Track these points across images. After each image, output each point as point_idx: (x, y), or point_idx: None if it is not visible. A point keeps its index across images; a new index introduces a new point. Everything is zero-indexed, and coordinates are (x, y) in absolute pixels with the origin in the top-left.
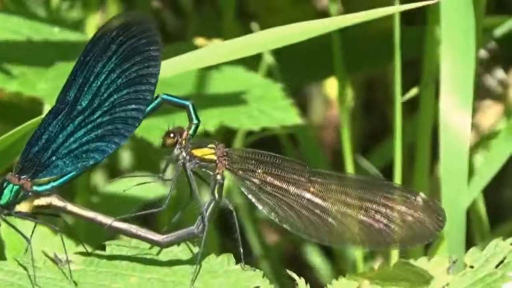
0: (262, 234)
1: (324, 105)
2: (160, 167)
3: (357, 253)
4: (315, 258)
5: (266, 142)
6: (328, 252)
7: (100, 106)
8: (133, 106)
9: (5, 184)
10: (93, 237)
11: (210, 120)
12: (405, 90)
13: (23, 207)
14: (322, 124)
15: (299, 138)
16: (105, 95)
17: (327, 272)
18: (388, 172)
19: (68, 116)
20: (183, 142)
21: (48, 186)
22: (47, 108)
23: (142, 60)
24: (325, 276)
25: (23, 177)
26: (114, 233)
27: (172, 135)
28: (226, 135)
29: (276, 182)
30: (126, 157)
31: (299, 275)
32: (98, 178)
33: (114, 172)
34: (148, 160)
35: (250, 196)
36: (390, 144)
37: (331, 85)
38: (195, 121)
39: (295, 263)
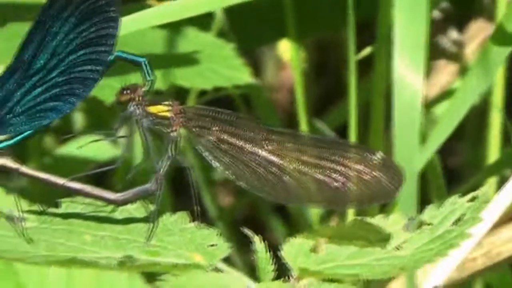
0: (217, 196)
1: (277, 67)
2: (113, 126)
3: (313, 214)
4: (271, 220)
5: (219, 103)
6: (284, 215)
7: (57, 66)
8: (91, 67)
9: None
10: (48, 200)
11: (162, 79)
12: (359, 51)
13: None
14: (275, 86)
15: (252, 99)
16: (63, 55)
17: (282, 234)
18: (342, 134)
19: (24, 75)
20: (138, 99)
21: (2, 145)
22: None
23: (100, 21)
24: (281, 237)
25: None
26: (69, 193)
27: (126, 91)
28: (178, 95)
29: (232, 140)
30: (78, 119)
31: (262, 234)
32: (50, 140)
33: (66, 134)
34: (100, 121)
35: (205, 154)
36: (343, 106)
37: (284, 47)
38: (150, 78)
39: (250, 225)
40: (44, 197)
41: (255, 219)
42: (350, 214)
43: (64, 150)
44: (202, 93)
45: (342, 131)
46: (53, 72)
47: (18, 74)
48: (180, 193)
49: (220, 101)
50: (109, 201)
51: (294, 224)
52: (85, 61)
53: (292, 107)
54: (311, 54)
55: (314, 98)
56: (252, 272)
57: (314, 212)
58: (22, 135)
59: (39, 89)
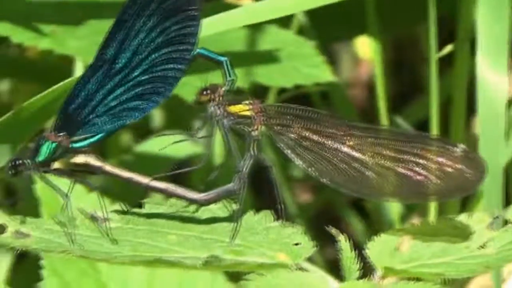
0: (295, 193)
1: (352, 63)
2: (191, 125)
3: (393, 211)
4: (348, 216)
5: (296, 101)
6: (362, 212)
7: (139, 65)
8: (173, 65)
9: (42, 141)
10: (126, 197)
11: (243, 77)
12: (438, 48)
13: (57, 165)
14: (350, 83)
15: (330, 96)
16: (145, 53)
17: (359, 231)
18: (421, 130)
19: (107, 74)
20: (218, 98)
21: (85, 143)
22: (78, 66)
23: (182, 19)
24: (359, 235)
25: (61, 134)
26: (150, 192)
27: (206, 92)
28: (255, 94)
29: (314, 137)
30: (157, 116)
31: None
32: (129, 138)
33: (144, 132)
34: (179, 118)
35: (288, 152)
36: (421, 103)
37: (361, 44)
38: (230, 77)
39: (326, 221)
40: (122, 194)
41: (331, 216)
42: (431, 211)
43: (142, 148)
44: (280, 91)
45: (420, 128)
46: (136, 71)
47: (100, 74)
48: (258, 191)
49: (297, 98)
50: (193, 201)
51: (371, 220)
52: (167, 59)
53: (367, 103)
54: (387, 52)
55: (389, 96)
56: (328, 268)
57: (394, 210)
58: (104, 133)
59: (121, 88)
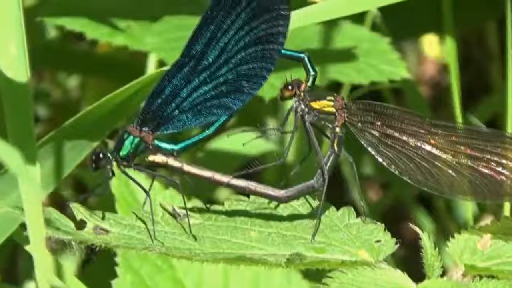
0: (365, 190)
1: (418, 61)
2: (263, 122)
3: (465, 210)
4: (417, 215)
5: (369, 98)
6: (429, 210)
7: (227, 62)
8: (260, 64)
9: (126, 136)
10: (198, 193)
11: (320, 74)
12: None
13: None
14: (415, 80)
15: (403, 93)
16: (232, 51)
17: (430, 230)
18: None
19: (193, 70)
20: (302, 94)
21: (169, 147)
22: (151, 62)
23: (271, 18)
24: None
25: (144, 129)
26: (231, 190)
27: (290, 87)
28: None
29: (396, 134)
30: None
31: (405, 232)
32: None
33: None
34: (251, 116)
35: (370, 149)
36: (489, 101)
37: (428, 42)
38: (312, 73)
39: (396, 220)
40: (196, 190)
41: (399, 214)
42: (505, 210)
43: (215, 145)
44: (352, 88)
45: (489, 126)
46: (222, 69)
47: (186, 70)
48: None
49: (369, 95)
50: (274, 198)
51: (440, 219)
52: (255, 58)
53: (432, 101)
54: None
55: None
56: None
57: (466, 208)
58: (191, 141)
59: (207, 86)
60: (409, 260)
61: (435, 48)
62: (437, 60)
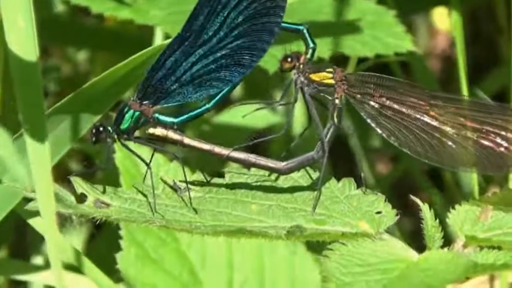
0: (372, 164)
1: (429, 34)
2: (269, 95)
3: (471, 183)
4: (426, 188)
5: (376, 71)
6: (439, 183)
7: (226, 36)
8: (259, 37)
9: (126, 109)
10: (204, 167)
11: (324, 47)
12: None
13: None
14: (425, 54)
15: (410, 66)
16: (232, 25)
17: (438, 203)
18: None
19: (193, 44)
20: (301, 66)
21: (169, 120)
22: (158, 36)
23: None
24: (437, 206)
25: (144, 103)
26: (231, 163)
27: (289, 59)
28: (336, 64)
29: (395, 106)
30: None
31: (412, 204)
32: None
33: (224, 102)
34: (257, 89)
35: (369, 121)
36: (497, 75)
37: (438, 15)
38: (311, 45)
39: (405, 193)
40: (200, 163)
41: (408, 187)
42: (510, 182)
43: (221, 119)
44: (358, 61)
45: (496, 99)
46: (222, 43)
47: (187, 44)
48: (335, 160)
49: (376, 68)
50: (274, 170)
51: (449, 191)
52: (254, 31)
53: (442, 75)
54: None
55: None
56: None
57: (472, 180)
58: (190, 114)
59: (207, 59)
60: (418, 233)
61: (446, 21)
62: (449, 33)
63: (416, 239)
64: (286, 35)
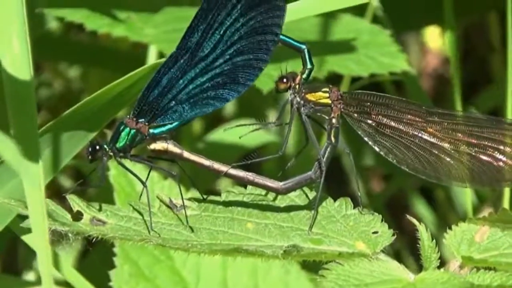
0: (365, 182)
1: (420, 53)
2: (263, 114)
3: (464, 202)
4: (419, 207)
5: (369, 90)
6: (431, 202)
7: (223, 54)
8: (255, 55)
9: (122, 128)
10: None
11: (318, 66)
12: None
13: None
14: (418, 72)
15: (404, 85)
16: (228, 43)
17: (432, 221)
18: None
19: (189, 62)
20: (297, 86)
21: (164, 129)
22: (152, 53)
23: (267, 9)
24: (430, 225)
25: (140, 121)
26: (229, 180)
27: (285, 80)
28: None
29: (392, 124)
30: (229, 105)
31: (402, 219)
32: (201, 126)
33: (216, 120)
34: (251, 107)
35: (366, 139)
36: (490, 93)
37: (430, 33)
38: (309, 66)
39: (397, 212)
40: (194, 181)
41: (400, 205)
42: (504, 202)
43: (214, 136)
44: (352, 80)
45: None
46: (218, 60)
47: (182, 61)
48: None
49: (370, 88)
50: (272, 190)
51: (441, 211)
52: (251, 49)
53: (434, 93)
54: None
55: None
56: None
57: (466, 199)
58: (183, 120)
59: (203, 77)
60: (412, 252)
61: (438, 40)
62: (440, 52)
63: (404, 256)
64: (279, 54)
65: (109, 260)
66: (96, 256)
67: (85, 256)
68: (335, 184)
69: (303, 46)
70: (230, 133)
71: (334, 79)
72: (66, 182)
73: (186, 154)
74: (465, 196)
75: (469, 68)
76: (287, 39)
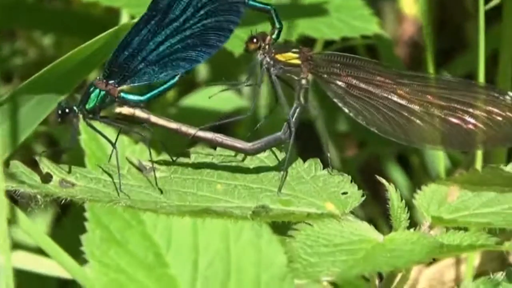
0: (339, 148)
1: (396, 20)
2: (236, 78)
3: (438, 166)
4: (393, 172)
5: None
6: (406, 167)
7: (193, 16)
8: (226, 17)
9: (91, 89)
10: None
11: (290, 30)
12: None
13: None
14: (394, 40)
15: (377, 50)
16: (199, 5)
17: (405, 186)
18: None
19: (159, 24)
20: (267, 47)
21: (135, 98)
22: (124, 19)
23: None
24: (403, 189)
25: (110, 82)
26: (197, 143)
27: (255, 40)
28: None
29: (362, 85)
30: (202, 70)
31: (378, 188)
32: (174, 92)
33: (189, 86)
34: (224, 72)
35: (336, 100)
36: (465, 60)
37: (405, 1)
38: (278, 26)
39: (372, 177)
40: (166, 145)
41: (375, 171)
42: (478, 164)
43: (188, 101)
44: (326, 44)
45: None
46: (189, 22)
47: (153, 23)
48: (302, 144)
49: (343, 50)
50: (241, 151)
51: (416, 176)
52: (221, 11)
53: (410, 60)
54: (431, 8)
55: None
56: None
57: (439, 163)
58: (155, 91)
59: (174, 39)
60: (388, 221)
61: (413, 6)
62: (417, 20)
63: (381, 226)
64: (251, 18)
65: (81, 225)
66: (68, 222)
67: (58, 223)
68: (312, 147)
69: (269, 7)
70: (203, 98)
71: (307, 44)
72: (40, 149)
73: (154, 118)
74: (439, 160)
75: (445, 35)
76: (253, 2)
